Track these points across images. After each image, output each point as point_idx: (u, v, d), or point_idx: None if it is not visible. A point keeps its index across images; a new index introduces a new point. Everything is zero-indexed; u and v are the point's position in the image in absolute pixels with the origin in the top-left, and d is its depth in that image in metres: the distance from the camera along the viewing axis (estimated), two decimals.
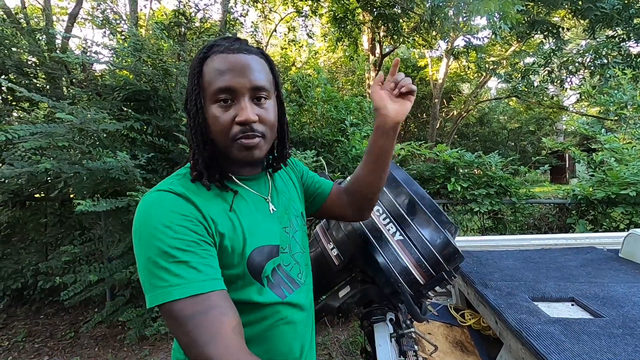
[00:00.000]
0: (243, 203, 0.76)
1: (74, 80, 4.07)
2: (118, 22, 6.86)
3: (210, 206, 0.69)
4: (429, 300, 2.10)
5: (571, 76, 7.88)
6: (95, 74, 4.29)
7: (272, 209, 0.81)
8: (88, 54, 3.97)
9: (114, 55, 3.43)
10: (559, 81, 8.11)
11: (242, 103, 0.68)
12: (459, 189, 2.99)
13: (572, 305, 1.46)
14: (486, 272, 1.82)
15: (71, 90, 3.96)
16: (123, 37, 4.77)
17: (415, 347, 1.59)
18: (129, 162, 2.34)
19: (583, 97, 7.73)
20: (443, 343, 1.68)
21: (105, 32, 6.54)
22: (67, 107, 2.40)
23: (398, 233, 1.27)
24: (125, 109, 2.91)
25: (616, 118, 4.72)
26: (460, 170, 3.25)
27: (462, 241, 2.37)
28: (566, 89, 8.65)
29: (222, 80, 0.67)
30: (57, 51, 3.50)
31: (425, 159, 3.83)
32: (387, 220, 1.30)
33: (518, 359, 1.24)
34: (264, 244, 0.75)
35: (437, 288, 1.29)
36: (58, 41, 4.60)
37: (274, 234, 0.78)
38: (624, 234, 1.98)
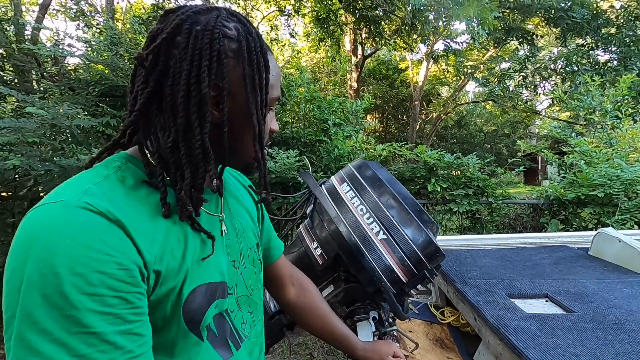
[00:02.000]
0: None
1: (44, 73, 3.89)
2: (93, 14, 6.61)
3: (149, 231, 0.48)
4: (410, 298, 2.13)
5: (544, 82, 8.21)
6: (68, 67, 4.11)
7: (224, 231, 0.62)
8: (61, 46, 3.80)
9: (88, 49, 3.30)
10: (532, 86, 8.44)
11: (273, 113, 0.63)
12: (438, 189, 3.06)
13: (547, 301, 1.52)
14: (465, 270, 1.86)
15: (42, 84, 3.79)
16: (99, 30, 4.60)
17: (397, 345, 1.62)
18: None
19: (555, 102, 8.08)
20: (424, 340, 1.71)
21: (79, 24, 6.28)
22: (38, 102, 2.29)
23: (382, 232, 1.28)
24: (100, 105, 2.80)
25: (585, 122, 4.96)
26: (440, 171, 3.32)
27: (442, 240, 2.42)
28: (539, 94, 9.01)
29: (277, 89, 0.60)
30: (27, 43, 3.34)
31: (406, 159, 3.89)
32: (371, 219, 1.31)
33: (496, 354, 1.27)
34: (209, 280, 0.55)
35: (419, 286, 1.31)
36: (28, 32, 4.38)
37: (221, 267, 0.59)
38: (593, 233, 2.07)
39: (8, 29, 4.30)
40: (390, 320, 1.40)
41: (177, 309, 0.50)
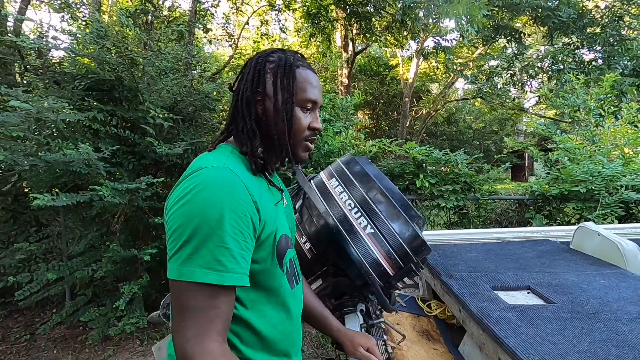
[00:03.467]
0: (273, 194, 0.83)
1: (28, 66, 3.79)
2: (78, 6, 6.45)
3: (262, 196, 0.74)
4: (397, 291, 2.17)
5: (531, 80, 8.34)
6: (53, 60, 4.01)
7: (285, 203, 0.91)
8: (45, 39, 3.70)
9: (74, 42, 3.22)
10: (520, 84, 8.56)
11: (316, 114, 0.83)
12: (427, 185, 3.10)
13: (528, 293, 1.57)
14: (451, 263, 1.91)
15: (25, 77, 3.69)
16: (84, 22, 4.50)
17: (385, 336, 1.65)
18: (91, 155, 2.23)
19: (541, 100, 8.21)
20: (410, 332, 1.75)
21: (63, 16, 6.12)
22: (22, 95, 2.24)
23: (369, 226, 1.30)
24: (87, 99, 2.75)
25: (570, 120, 5.07)
26: (429, 167, 3.37)
27: (430, 235, 2.47)
28: (527, 91, 9.15)
29: (312, 92, 0.79)
30: (10, 34, 3.25)
31: (396, 156, 3.93)
32: (359, 214, 1.33)
33: (479, 344, 1.31)
34: (286, 233, 0.82)
35: (405, 279, 1.33)
36: (10, 24, 4.26)
37: (287, 227, 0.86)
38: (575, 227, 2.14)
39: None
40: (378, 312, 1.43)
41: (273, 248, 0.75)
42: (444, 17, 5.30)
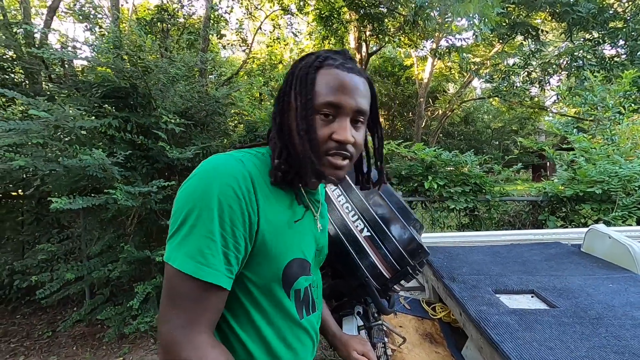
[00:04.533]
0: (294, 211, 0.75)
1: (52, 75, 3.99)
2: (100, 17, 6.72)
3: (272, 204, 0.68)
4: (401, 294, 2.16)
5: (549, 77, 8.10)
6: (76, 69, 4.20)
7: (320, 227, 0.84)
8: (67, 49, 3.89)
9: (94, 52, 3.38)
10: (537, 82, 8.33)
11: (343, 122, 0.68)
12: (435, 186, 3.07)
13: (532, 297, 1.54)
14: (455, 266, 1.89)
15: (48, 87, 3.88)
16: (102, 32, 4.69)
17: (385, 339, 1.65)
18: (105, 160, 2.33)
19: (560, 99, 7.96)
20: (413, 335, 1.74)
21: (87, 25, 6.40)
22: (43, 104, 2.37)
23: (366, 230, 1.32)
24: (103, 106, 2.88)
25: (591, 119, 4.90)
26: (440, 169, 3.33)
27: (435, 237, 2.45)
28: (545, 89, 8.89)
29: (332, 95, 0.67)
30: (35, 46, 3.43)
31: (409, 157, 3.90)
32: (356, 217, 1.35)
33: (478, 348, 1.30)
34: (301, 257, 0.74)
35: (402, 282, 1.34)
36: (37, 35, 4.49)
37: (311, 251, 0.79)
38: (586, 229, 2.08)
39: (17, 32, 4.41)
40: (376, 314, 1.44)
41: (278, 269, 0.69)
42: (455, 16, 5.23)
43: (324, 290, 1.41)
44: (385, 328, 1.53)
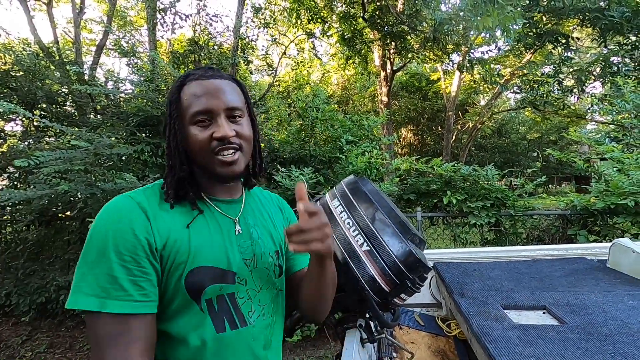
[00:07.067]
0: (204, 222, 0.76)
1: (97, 107, 4.43)
2: (140, 51, 7.38)
3: (166, 220, 0.71)
4: (417, 310, 2.14)
5: (582, 85, 7.75)
6: (120, 100, 4.65)
7: (238, 231, 0.81)
8: (111, 84, 4.33)
9: (132, 85, 3.74)
10: (570, 91, 7.97)
11: (218, 121, 0.74)
12: (454, 201, 3.02)
13: (544, 312, 1.50)
14: (468, 282, 1.87)
15: (95, 118, 4.31)
16: (138, 66, 5.15)
17: (394, 354, 1.67)
18: (137, 183, 2.55)
19: (594, 106, 7.56)
20: (425, 352, 1.73)
21: (131, 60, 7.04)
22: (85, 134, 2.65)
23: (365, 244, 1.37)
24: (137, 134, 3.16)
25: (631, 127, 4.62)
26: (460, 184, 3.28)
27: (454, 253, 2.41)
28: (579, 97, 8.48)
29: (199, 103, 0.73)
30: (85, 81, 3.85)
31: (429, 174, 3.89)
32: (356, 232, 1.40)
33: None
34: (211, 264, 0.73)
35: (403, 295, 1.37)
36: (86, 71, 5.03)
37: (227, 260, 0.76)
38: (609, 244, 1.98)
39: (70, 69, 4.97)
40: (379, 328, 1.46)
41: (180, 280, 0.69)
42: (474, 30, 5.22)
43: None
44: (391, 343, 1.55)
